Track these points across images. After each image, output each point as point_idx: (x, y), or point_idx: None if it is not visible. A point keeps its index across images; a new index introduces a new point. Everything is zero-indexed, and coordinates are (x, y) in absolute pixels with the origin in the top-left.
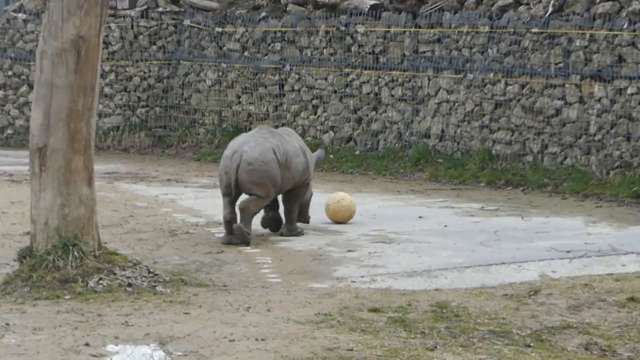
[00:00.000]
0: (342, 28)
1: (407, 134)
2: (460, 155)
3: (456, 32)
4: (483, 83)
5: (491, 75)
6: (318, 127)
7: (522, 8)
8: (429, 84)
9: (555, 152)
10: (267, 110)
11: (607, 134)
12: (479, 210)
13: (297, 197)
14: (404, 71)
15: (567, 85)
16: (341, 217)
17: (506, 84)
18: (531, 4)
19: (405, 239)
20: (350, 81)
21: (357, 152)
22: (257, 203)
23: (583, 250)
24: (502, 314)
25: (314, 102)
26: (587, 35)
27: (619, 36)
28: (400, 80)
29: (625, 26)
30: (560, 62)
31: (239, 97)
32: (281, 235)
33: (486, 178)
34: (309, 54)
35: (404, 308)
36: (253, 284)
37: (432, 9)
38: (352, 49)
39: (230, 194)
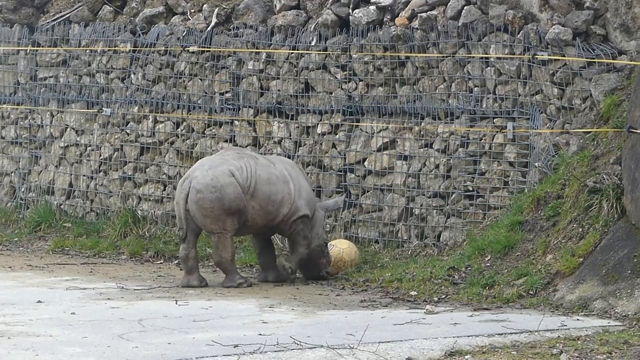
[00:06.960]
0: None
1: (22, 190)
2: (95, 217)
3: (87, 51)
4: (124, 120)
5: (135, 109)
6: None
7: (176, 19)
8: (51, 121)
9: None
10: None
11: None
12: (118, 292)
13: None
14: (18, 104)
15: (236, 123)
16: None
17: (155, 122)
18: (188, 13)
19: (19, 331)
20: None
21: None
22: (222, 243)
23: (256, 344)
24: None
25: None
26: (263, 56)
27: (306, 56)
28: (13, 116)
29: (313, 43)
30: (227, 92)
31: None
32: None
33: (129, 248)
34: None
35: None
36: None
37: (55, 20)
38: None
39: (184, 228)
